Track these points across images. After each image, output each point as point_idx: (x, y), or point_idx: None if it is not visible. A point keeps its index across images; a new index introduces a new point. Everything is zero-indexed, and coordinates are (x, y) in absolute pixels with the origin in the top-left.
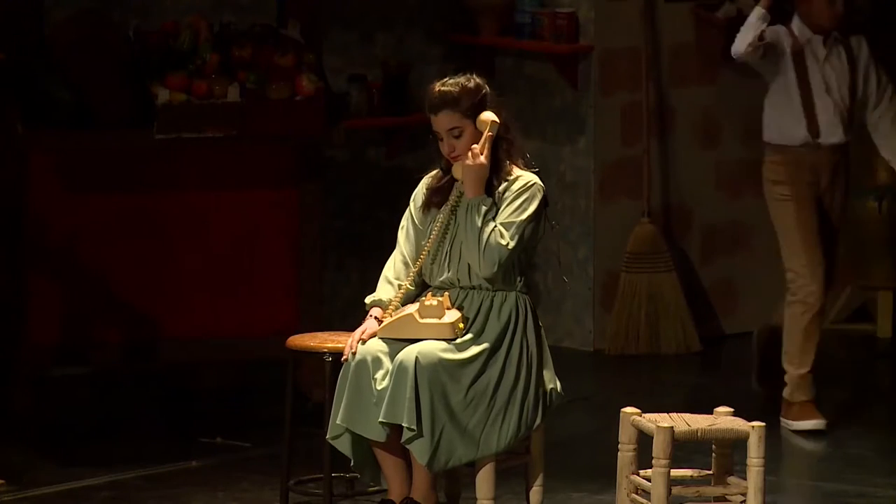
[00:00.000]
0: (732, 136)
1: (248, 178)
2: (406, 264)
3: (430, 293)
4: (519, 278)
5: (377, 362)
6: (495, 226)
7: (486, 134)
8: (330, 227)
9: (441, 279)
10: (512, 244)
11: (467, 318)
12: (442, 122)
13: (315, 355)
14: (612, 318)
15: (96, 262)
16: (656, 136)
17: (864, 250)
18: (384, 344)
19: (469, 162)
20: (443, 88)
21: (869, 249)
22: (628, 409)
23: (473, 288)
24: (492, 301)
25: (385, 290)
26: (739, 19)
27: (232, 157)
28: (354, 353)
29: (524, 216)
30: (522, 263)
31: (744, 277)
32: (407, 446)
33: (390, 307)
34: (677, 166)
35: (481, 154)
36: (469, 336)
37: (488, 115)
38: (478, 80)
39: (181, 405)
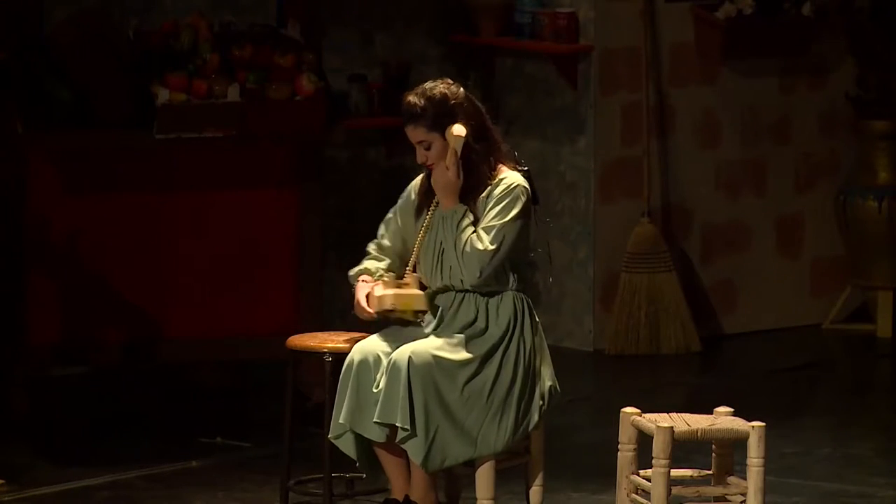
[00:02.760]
0: (732, 136)
1: (248, 178)
2: (384, 249)
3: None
4: (513, 277)
5: (378, 362)
6: (473, 232)
7: (451, 149)
8: (330, 227)
9: (437, 286)
10: (492, 247)
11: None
12: (410, 134)
13: (315, 355)
14: (612, 318)
15: (96, 262)
16: (656, 136)
17: (864, 250)
18: (385, 344)
19: (438, 176)
20: (410, 100)
21: (869, 249)
22: (628, 409)
23: (469, 291)
24: (487, 303)
25: (370, 262)
26: (739, 19)
27: (232, 157)
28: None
29: (506, 219)
30: (516, 263)
31: (744, 277)
32: (402, 446)
33: (378, 274)
34: (677, 166)
35: (448, 170)
36: (464, 336)
37: (455, 130)
38: (444, 89)
39: (181, 405)
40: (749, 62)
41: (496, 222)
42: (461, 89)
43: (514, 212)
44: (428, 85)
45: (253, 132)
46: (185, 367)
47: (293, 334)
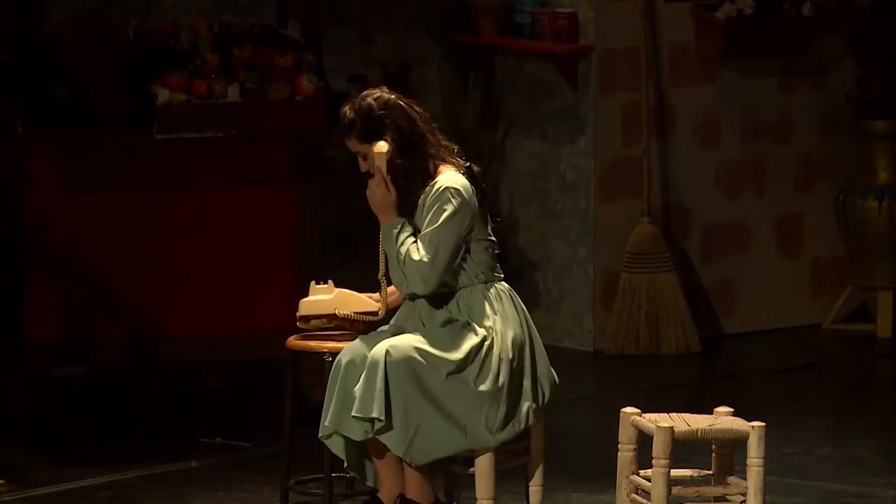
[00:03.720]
0: (732, 136)
1: (248, 178)
2: None
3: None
4: (477, 271)
5: (363, 364)
6: (412, 243)
7: (376, 166)
8: (330, 227)
9: (406, 293)
10: (427, 257)
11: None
12: (348, 146)
13: (315, 355)
14: (612, 318)
15: (96, 262)
16: (656, 136)
17: (864, 250)
18: (373, 345)
19: (370, 195)
20: (343, 111)
21: (869, 249)
22: (628, 409)
23: (437, 295)
24: (458, 300)
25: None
26: (739, 19)
27: (232, 157)
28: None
29: (437, 224)
30: (476, 256)
31: (744, 277)
32: (379, 438)
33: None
34: (677, 166)
35: (379, 187)
36: (447, 331)
37: (377, 147)
38: (371, 100)
39: (181, 405)
40: (749, 62)
41: (428, 230)
42: (391, 97)
43: (445, 216)
44: (362, 95)
45: (253, 132)
46: (185, 367)
47: (293, 334)
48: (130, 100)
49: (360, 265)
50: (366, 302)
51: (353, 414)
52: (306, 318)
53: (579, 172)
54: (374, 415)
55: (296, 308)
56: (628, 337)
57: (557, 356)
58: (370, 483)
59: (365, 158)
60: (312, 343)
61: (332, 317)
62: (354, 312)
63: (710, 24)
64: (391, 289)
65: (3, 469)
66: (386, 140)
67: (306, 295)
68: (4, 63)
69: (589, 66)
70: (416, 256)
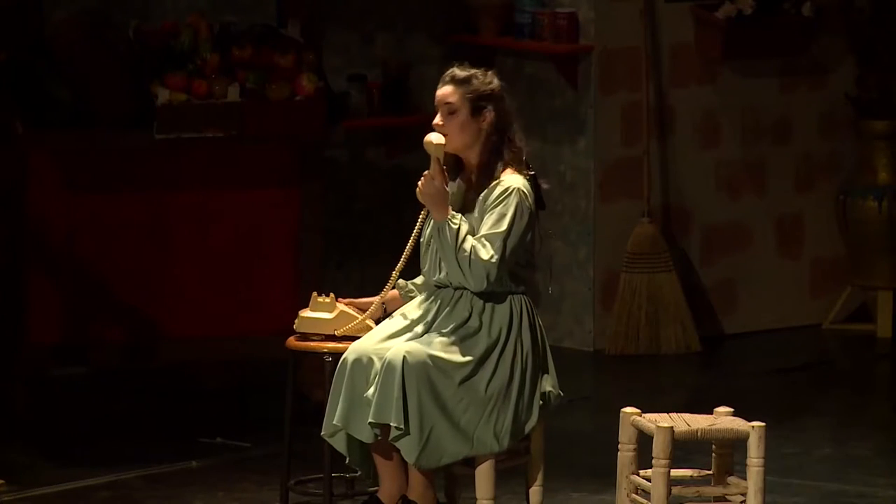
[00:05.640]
0: (732, 136)
1: (248, 178)
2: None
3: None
4: (509, 279)
5: (371, 363)
6: (476, 240)
7: (433, 157)
8: (330, 227)
9: (436, 279)
10: (496, 257)
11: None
12: (443, 92)
13: (315, 355)
14: (612, 318)
15: (96, 262)
16: (656, 136)
17: (864, 250)
18: (380, 344)
19: (425, 187)
20: (462, 64)
21: (869, 249)
22: (628, 409)
23: (465, 289)
24: (483, 303)
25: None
26: (739, 19)
27: (232, 157)
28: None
29: (503, 227)
30: (513, 265)
31: (744, 277)
32: (395, 444)
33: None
34: (677, 166)
35: (434, 179)
36: (457, 337)
37: (432, 138)
38: (493, 79)
39: (181, 405)
40: (749, 62)
41: (495, 230)
42: (500, 85)
43: (512, 218)
44: (484, 69)
45: (253, 132)
46: (185, 367)
47: (293, 334)
48: (130, 100)
49: (360, 264)
50: (364, 321)
51: (369, 420)
52: (304, 336)
53: (579, 172)
54: (393, 423)
55: (296, 309)
56: (628, 337)
57: (557, 356)
58: (372, 481)
59: (451, 112)
60: (312, 343)
61: (330, 336)
62: (351, 330)
63: (710, 24)
64: (392, 292)
65: (3, 469)
66: (489, 110)
67: (306, 296)
68: (4, 63)
69: (589, 66)
70: (484, 255)
